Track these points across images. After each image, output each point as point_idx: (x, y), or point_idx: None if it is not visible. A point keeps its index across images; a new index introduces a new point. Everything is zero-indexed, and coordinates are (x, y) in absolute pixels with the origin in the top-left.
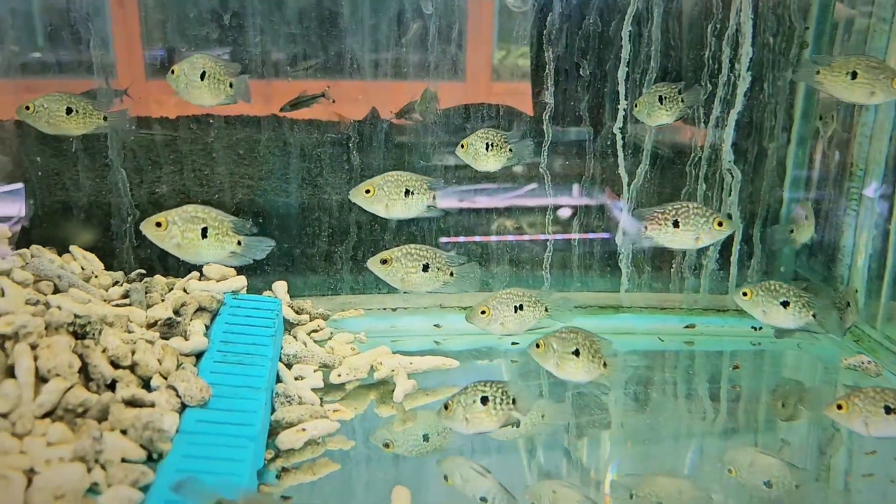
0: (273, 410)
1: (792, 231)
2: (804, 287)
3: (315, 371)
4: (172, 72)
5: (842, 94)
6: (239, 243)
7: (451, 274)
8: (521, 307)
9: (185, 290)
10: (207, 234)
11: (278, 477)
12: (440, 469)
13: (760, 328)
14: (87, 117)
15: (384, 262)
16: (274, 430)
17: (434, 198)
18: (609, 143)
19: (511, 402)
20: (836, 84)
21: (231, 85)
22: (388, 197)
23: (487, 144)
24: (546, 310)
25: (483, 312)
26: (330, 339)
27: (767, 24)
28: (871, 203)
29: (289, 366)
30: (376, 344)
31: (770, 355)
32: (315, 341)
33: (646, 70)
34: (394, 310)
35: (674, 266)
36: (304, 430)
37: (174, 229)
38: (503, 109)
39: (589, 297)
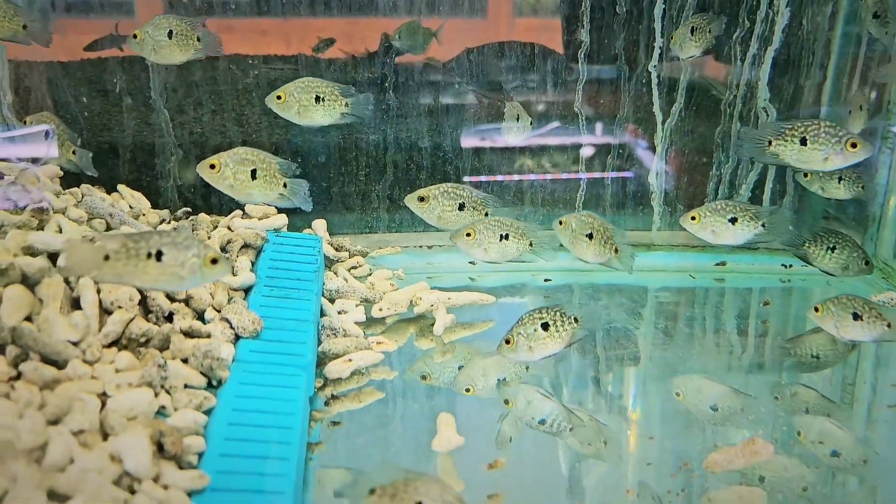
0: (319, 342)
1: (770, 143)
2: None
3: (357, 306)
4: (135, 36)
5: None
6: (285, 185)
7: (486, 214)
8: (506, 237)
9: (229, 228)
10: (256, 176)
11: (327, 404)
12: (501, 393)
13: (791, 266)
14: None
15: (422, 199)
16: (321, 360)
17: (347, 105)
18: (644, 81)
19: (574, 321)
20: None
21: (199, 39)
22: (298, 103)
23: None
24: (531, 244)
25: (468, 235)
26: (369, 275)
27: None
28: None
29: (331, 300)
30: (414, 280)
31: (799, 292)
32: (355, 277)
33: (682, 7)
34: (429, 247)
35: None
36: (350, 360)
37: (227, 171)
38: (534, 48)
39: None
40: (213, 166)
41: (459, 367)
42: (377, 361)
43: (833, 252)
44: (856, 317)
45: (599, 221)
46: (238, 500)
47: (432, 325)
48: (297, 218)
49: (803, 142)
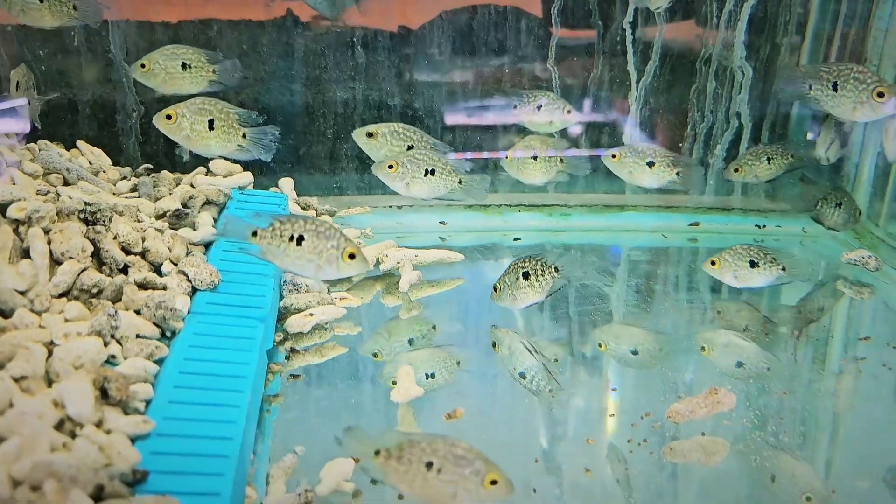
0: (282, 298)
1: (811, 87)
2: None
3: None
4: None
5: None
6: (244, 136)
7: (214, 72)
8: (432, 172)
9: (192, 185)
10: (214, 126)
11: (288, 358)
12: (491, 336)
13: (764, 226)
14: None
15: (370, 135)
16: (283, 315)
17: (215, 71)
18: (619, 39)
19: (554, 270)
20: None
21: (75, 7)
22: (165, 71)
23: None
24: (460, 182)
25: (390, 167)
26: None
27: None
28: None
29: None
30: (382, 240)
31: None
32: None
33: None
34: (399, 207)
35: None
36: (311, 314)
37: (183, 122)
38: (511, 11)
39: (594, 197)
40: (169, 117)
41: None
42: (339, 316)
43: (840, 208)
44: (752, 264)
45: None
46: (183, 445)
47: (399, 282)
48: (265, 178)
49: (835, 87)
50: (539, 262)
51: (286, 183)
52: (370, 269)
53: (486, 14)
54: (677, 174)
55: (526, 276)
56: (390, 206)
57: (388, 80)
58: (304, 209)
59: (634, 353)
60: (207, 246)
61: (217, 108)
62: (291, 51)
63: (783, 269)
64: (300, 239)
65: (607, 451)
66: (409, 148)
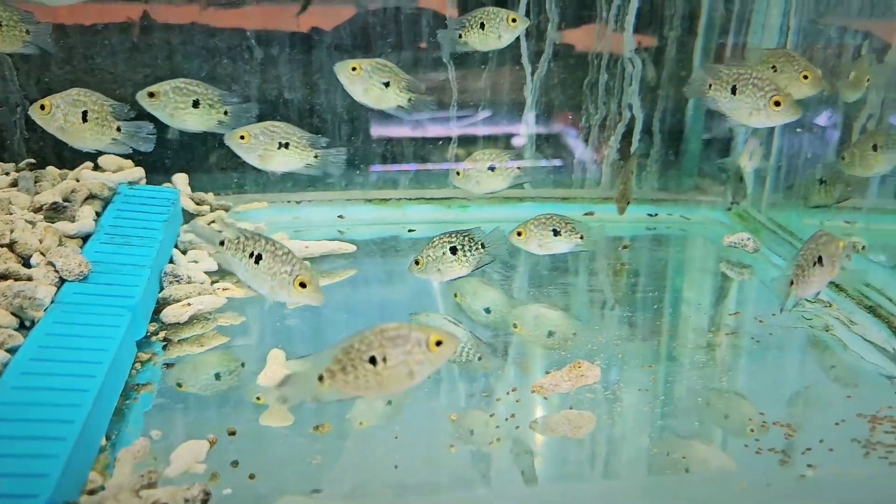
0: (162, 289)
1: (461, 36)
2: None
3: (210, 255)
4: None
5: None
6: (119, 129)
7: (226, 113)
8: (286, 145)
9: (77, 180)
10: (87, 118)
11: (165, 347)
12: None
13: (656, 214)
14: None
15: (151, 95)
16: (162, 307)
17: (227, 112)
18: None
19: (481, 246)
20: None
21: (28, 32)
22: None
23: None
24: (315, 156)
25: (242, 137)
26: None
27: None
28: None
29: (184, 251)
30: (276, 234)
31: (663, 238)
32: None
33: None
34: (298, 203)
35: (575, 157)
36: (189, 304)
37: (58, 112)
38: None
39: None
40: (43, 107)
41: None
42: (219, 305)
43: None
44: (555, 233)
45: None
46: (24, 429)
47: None
48: (160, 175)
49: (482, 26)
50: (466, 238)
51: (180, 178)
52: (321, 302)
53: (399, 15)
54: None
55: (454, 250)
56: (289, 202)
57: (288, 79)
58: (198, 204)
59: (549, 335)
60: (86, 238)
61: (91, 99)
62: (193, 51)
63: (581, 237)
64: (258, 257)
65: (472, 428)
66: (196, 104)
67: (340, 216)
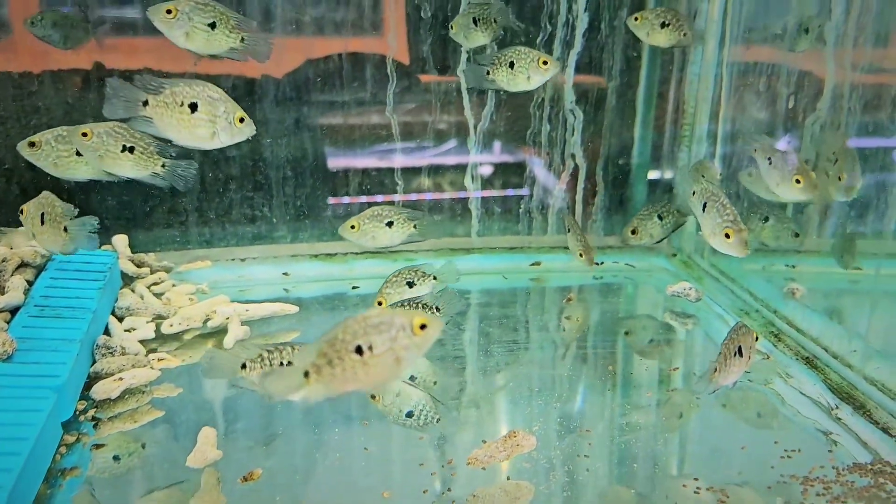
0: (95, 362)
1: (489, 73)
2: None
3: (148, 323)
4: None
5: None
6: (66, 229)
7: (163, 165)
8: (131, 150)
9: (10, 247)
10: (44, 221)
11: (95, 426)
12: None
13: (602, 262)
14: None
15: (32, 144)
16: (93, 381)
17: (164, 166)
18: (455, 86)
19: (413, 226)
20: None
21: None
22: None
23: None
24: (163, 165)
25: (84, 135)
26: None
27: None
28: (700, 138)
29: (121, 319)
30: (223, 293)
31: (608, 287)
32: (155, 294)
33: (487, 15)
34: (242, 260)
35: (521, 207)
36: (121, 379)
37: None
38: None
39: (440, 241)
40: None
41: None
42: (152, 378)
43: (766, 222)
44: (389, 224)
45: (673, 13)
46: None
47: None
48: (100, 236)
49: (511, 66)
50: (403, 216)
51: (120, 240)
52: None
53: (354, 62)
54: (415, 227)
55: (410, 284)
56: (232, 259)
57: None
58: (138, 266)
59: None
60: (15, 311)
61: (48, 200)
62: None
63: (415, 226)
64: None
65: None
66: (131, 149)
67: (286, 273)
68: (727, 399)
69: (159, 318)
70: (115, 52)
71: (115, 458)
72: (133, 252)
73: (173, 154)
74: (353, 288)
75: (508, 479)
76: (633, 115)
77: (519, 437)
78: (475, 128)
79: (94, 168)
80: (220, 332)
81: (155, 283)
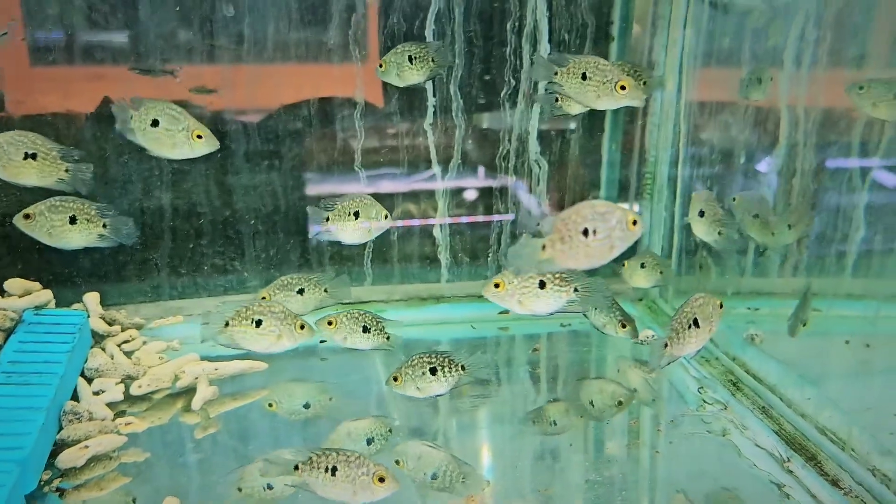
0: (61, 429)
1: (556, 73)
2: None
3: (117, 384)
4: None
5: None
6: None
7: (104, 226)
8: (34, 156)
9: None
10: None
11: (61, 496)
12: (393, 454)
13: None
14: None
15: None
16: (60, 449)
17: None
18: (422, 138)
19: (461, 368)
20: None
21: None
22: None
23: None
24: (67, 171)
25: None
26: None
27: (562, 21)
28: (662, 186)
29: (90, 380)
30: (193, 350)
31: (575, 335)
32: (126, 352)
33: (424, 54)
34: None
35: (490, 255)
36: (86, 447)
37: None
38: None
39: (410, 289)
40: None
41: None
42: (118, 445)
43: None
44: (365, 329)
45: (631, 65)
46: None
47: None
48: (70, 291)
49: (584, 77)
50: (446, 359)
51: (91, 298)
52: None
53: (326, 106)
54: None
55: (433, 371)
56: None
57: (203, 182)
58: (109, 324)
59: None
60: None
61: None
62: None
63: (325, 290)
64: (334, 469)
65: None
66: (72, 220)
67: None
68: (687, 452)
69: (129, 378)
70: None
71: None
72: (105, 307)
73: (76, 157)
74: (321, 342)
75: None
76: (599, 164)
77: (475, 501)
78: (443, 178)
79: (87, 236)
80: (190, 391)
81: (126, 342)
